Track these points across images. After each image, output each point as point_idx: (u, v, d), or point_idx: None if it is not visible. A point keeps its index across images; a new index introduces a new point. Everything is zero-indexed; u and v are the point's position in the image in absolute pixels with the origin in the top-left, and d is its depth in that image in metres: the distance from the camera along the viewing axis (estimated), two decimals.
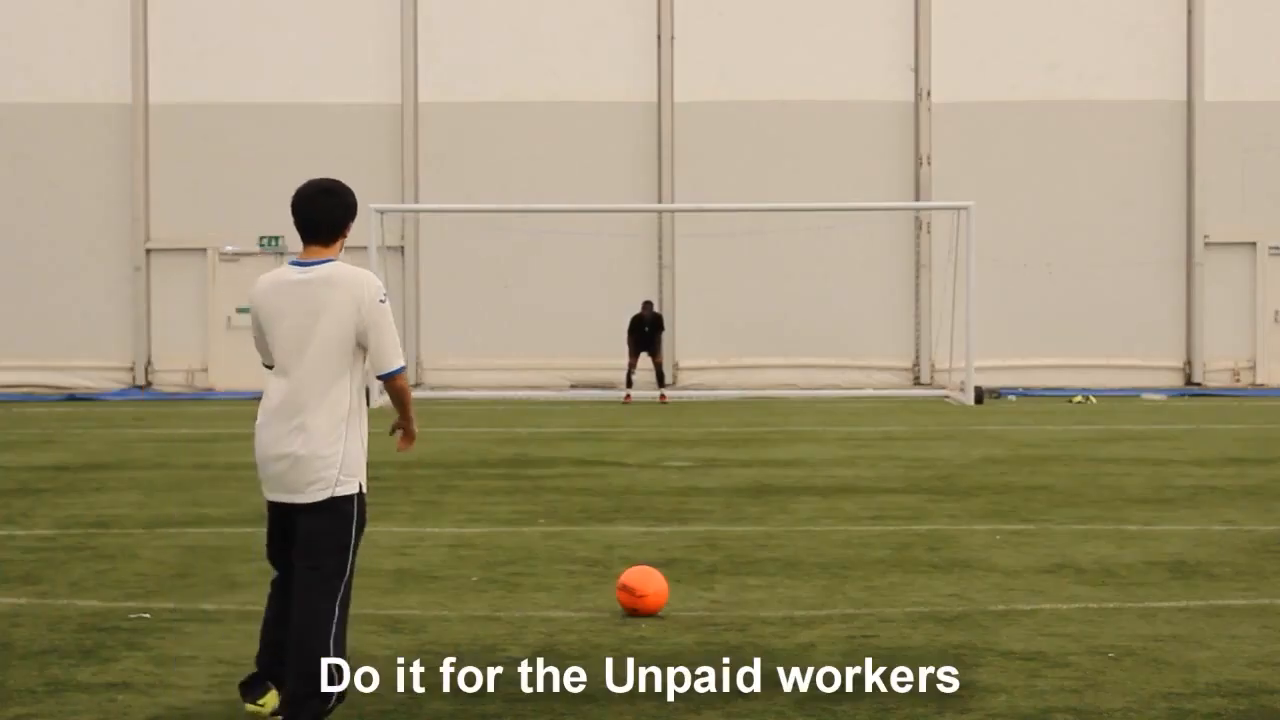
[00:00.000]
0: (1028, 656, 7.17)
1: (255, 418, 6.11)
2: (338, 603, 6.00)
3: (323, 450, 5.89)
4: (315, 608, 5.94)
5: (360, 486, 6.01)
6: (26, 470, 15.28)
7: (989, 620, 7.98)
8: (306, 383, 5.90)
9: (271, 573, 6.19)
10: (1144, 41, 29.04)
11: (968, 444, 17.65)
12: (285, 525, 6.00)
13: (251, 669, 6.27)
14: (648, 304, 26.06)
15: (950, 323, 26.46)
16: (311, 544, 5.91)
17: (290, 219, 6.43)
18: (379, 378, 6.03)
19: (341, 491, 5.93)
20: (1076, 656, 7.16)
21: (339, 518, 5.92)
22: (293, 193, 6.31)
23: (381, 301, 5.95)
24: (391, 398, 6.22)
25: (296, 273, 6.08)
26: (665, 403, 25.52)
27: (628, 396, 25.63)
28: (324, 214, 6.22)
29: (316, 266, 6.06)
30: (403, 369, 6.06)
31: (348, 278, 5.98)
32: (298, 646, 5.91)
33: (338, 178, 6.59)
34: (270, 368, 6.06)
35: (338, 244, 6.18)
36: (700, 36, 28.83)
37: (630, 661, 7.08)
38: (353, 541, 5.99)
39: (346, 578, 6.00)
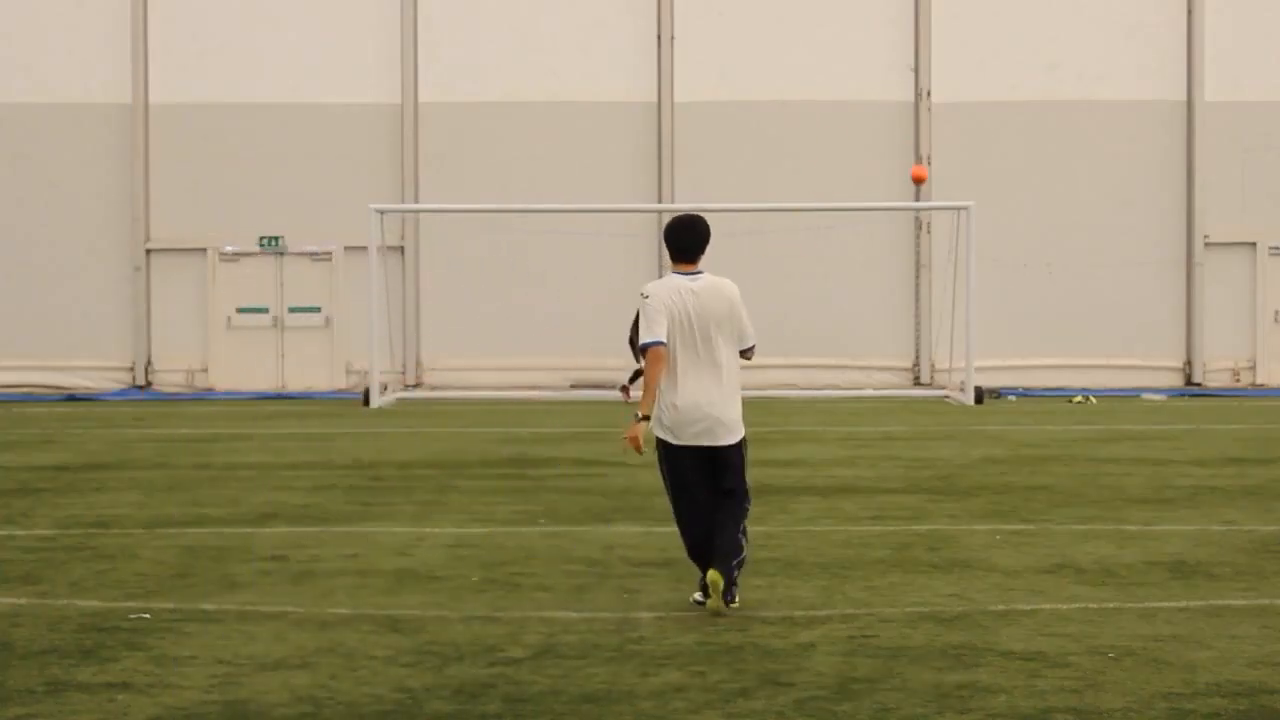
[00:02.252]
0: (1028, 656, 7.17)
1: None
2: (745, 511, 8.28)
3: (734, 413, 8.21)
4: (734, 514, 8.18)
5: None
6: (26, 470, 15.28)
7: (989, 620, 7.99)
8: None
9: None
10: (1144, 41, 29.04)
11: (968, 444, 17.65)
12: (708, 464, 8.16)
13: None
14: None
15: (950, 323, 26.46)
16: (730, 472, 8.16)
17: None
18: (743, 352, 8.24)
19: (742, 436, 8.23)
20: (1076, 656, 7.17)
21: (742, 455, 8.24)
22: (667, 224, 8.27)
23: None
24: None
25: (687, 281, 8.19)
26: None
27: (625, 390, 25.19)
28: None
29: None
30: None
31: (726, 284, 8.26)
32: (723, 539, 8.08)
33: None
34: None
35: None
36: (700, 36, 28.84)
37: (630, 661, 7.09)
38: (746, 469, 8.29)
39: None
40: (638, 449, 7.99)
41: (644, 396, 8.04)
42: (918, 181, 21.44)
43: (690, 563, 8.50)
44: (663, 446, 8.15)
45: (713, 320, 8.06)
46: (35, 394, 28.16)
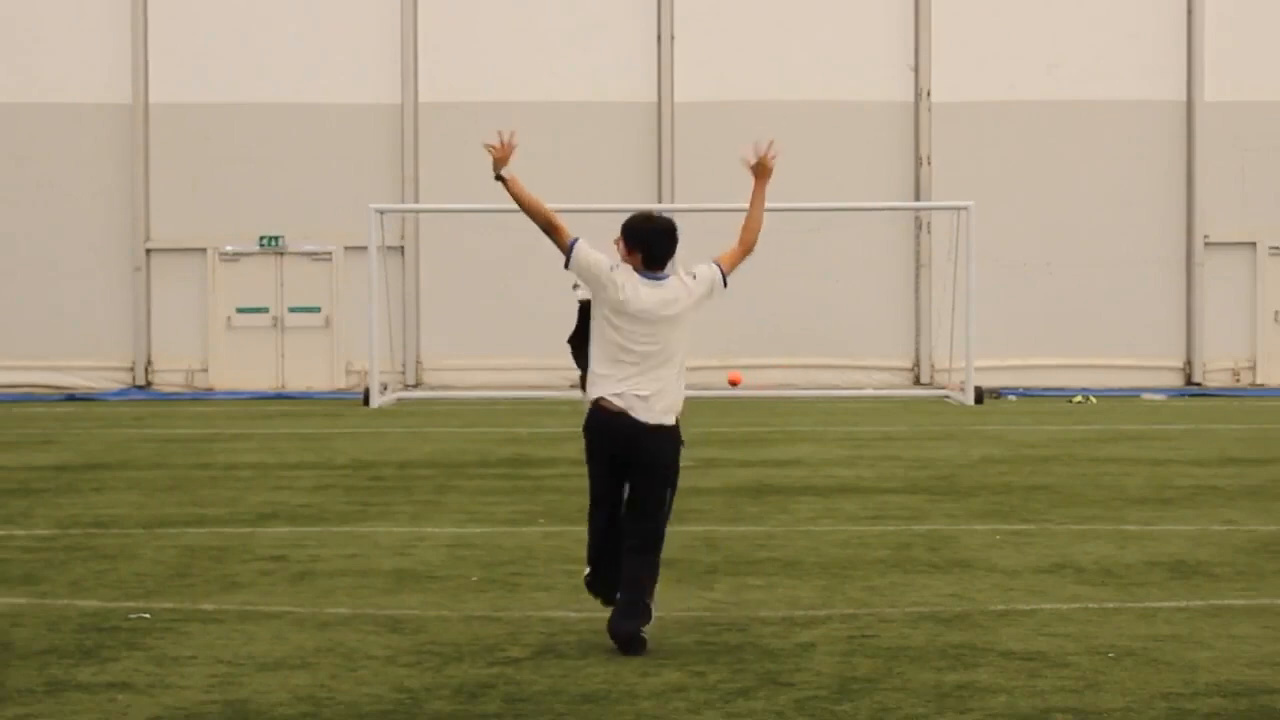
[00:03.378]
0: (1028, 656, 7.17)
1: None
2: None
3: None
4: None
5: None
6: (26, 470, 15.28)
7: (989, 620, 7.98)
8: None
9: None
10: (1144, 41, 29.03)
11: (968, 444, 17.65)
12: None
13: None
14: None
15: (950, 323, 26.45)
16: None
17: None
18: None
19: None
20: (1076, 656, 7.17)
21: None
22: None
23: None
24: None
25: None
26: None
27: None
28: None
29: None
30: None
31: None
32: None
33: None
34: None
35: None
36: (700, 36, 28.83)
37: (630, 661, 7.09)
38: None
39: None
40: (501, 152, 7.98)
41: (516, 185, 7.81)
42: (733, 384, 21.93)
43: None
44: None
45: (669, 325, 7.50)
46: (35, 394, 28.16)
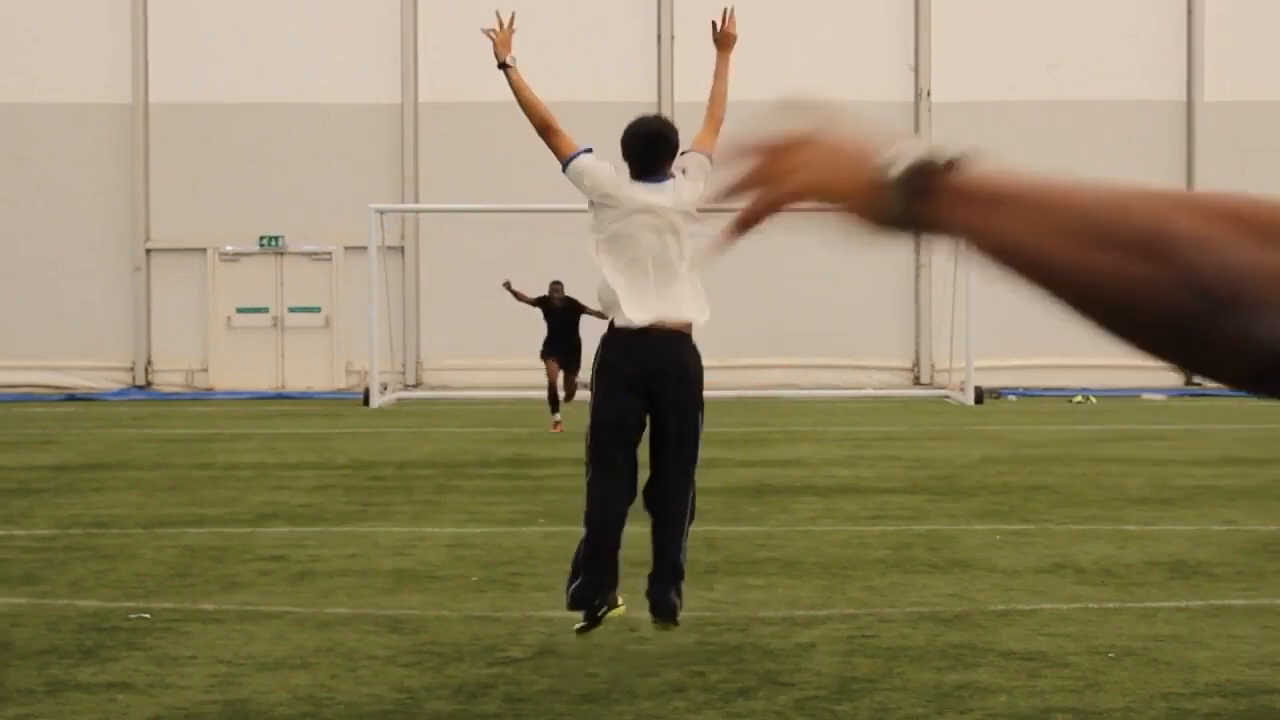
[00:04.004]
0: (1028, 656, 7.17)
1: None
2: None
3: None
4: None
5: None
6: (26, 470, 15.28)
7: (989, 620, 7.98)
8: None
9: None
10: (1144, 41, 29.05)
11: (968, 444, 17.64)
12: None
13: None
14: (557, 285, 21.16)
15: (950, 323, 26.46)
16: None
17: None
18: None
19: None
20: (1076, 656, 7.16)
21: None
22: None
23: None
24: None
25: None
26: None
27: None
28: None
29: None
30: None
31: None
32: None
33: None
34: None
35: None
36: (700, 36, 28.67)
37: (630, 661, 7.09)
38: None
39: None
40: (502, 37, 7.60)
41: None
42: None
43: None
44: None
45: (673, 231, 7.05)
46: (35, 394, 28.16)
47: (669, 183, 7.07)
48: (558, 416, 19.61)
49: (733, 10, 7.66)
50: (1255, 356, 1.13)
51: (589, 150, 7.22)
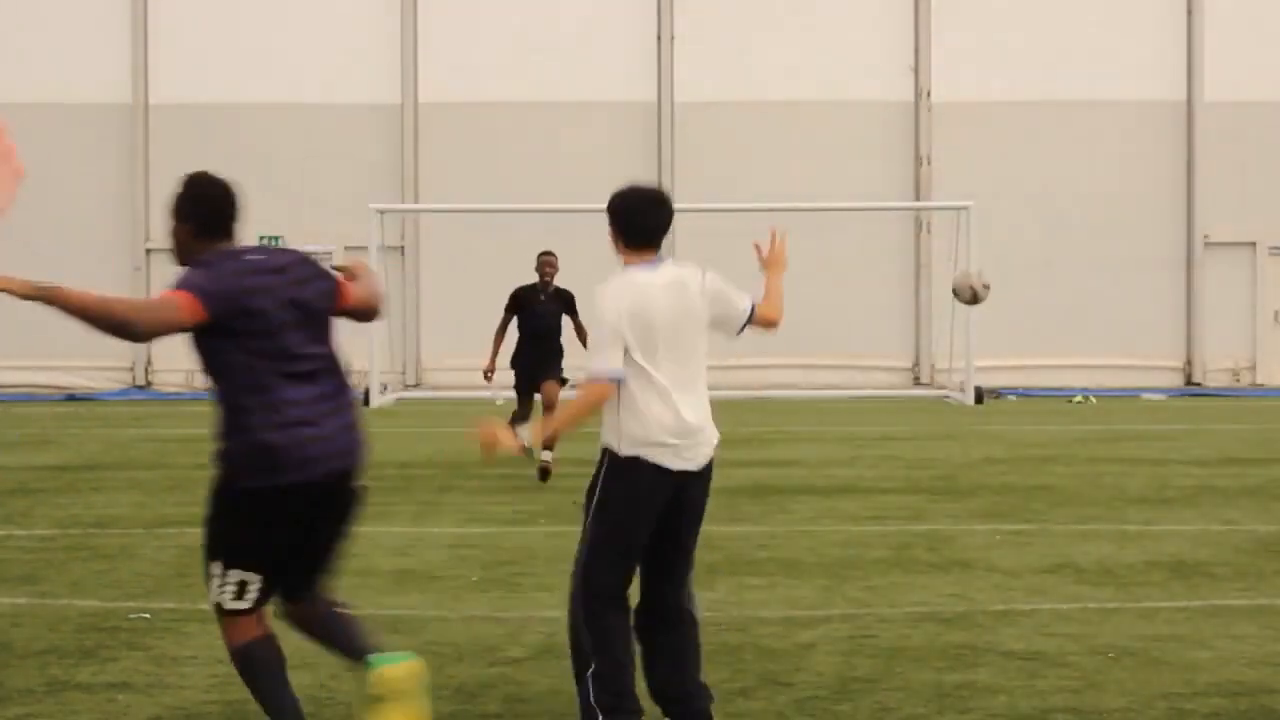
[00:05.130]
0: (1028, 656, 7.17)
1: None
2: None
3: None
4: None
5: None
6: (26, 470, 15.28)
7: (989, 620, 7.98)
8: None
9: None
10: (1144, 41, 29.03)
11: (968, 444, 17.64)
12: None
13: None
14: (547, 257, 16.44)
15: (950, 323, 26.44)
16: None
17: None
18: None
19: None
20: (1076, 656, 7.16)
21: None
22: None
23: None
24: None
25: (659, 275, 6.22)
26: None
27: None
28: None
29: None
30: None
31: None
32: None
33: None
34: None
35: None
36: (700, 36, 28.82)
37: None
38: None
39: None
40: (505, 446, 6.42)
41: (550, 426, 6.47)
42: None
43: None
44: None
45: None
46: (35, 394, 28.15)
47: (668, 262, 6.52)
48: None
49: (785, 235, 6.54)
50: (141, 338, 5.68)
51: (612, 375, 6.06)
